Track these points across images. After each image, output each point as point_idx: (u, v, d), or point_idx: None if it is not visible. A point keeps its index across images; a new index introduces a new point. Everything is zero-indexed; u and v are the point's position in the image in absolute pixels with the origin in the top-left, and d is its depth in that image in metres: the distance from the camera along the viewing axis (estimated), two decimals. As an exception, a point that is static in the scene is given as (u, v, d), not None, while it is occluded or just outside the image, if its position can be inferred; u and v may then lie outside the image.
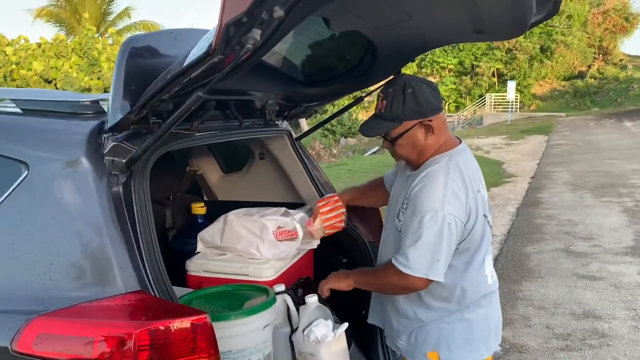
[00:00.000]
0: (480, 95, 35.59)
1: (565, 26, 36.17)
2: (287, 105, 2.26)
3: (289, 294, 1.90)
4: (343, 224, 2.12)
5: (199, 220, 2.45)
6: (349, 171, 12.31)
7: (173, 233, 2.68)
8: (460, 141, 1.82)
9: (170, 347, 1.23)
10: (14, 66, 17.11)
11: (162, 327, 1.23)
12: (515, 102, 31.34)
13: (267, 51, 1.27)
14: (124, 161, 1.44)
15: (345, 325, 1.81)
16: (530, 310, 4.22)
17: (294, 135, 2.46)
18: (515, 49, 35.09)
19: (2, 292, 1.42)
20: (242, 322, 1.61)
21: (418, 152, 1.75)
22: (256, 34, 1.09)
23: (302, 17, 1.22)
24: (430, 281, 1.65)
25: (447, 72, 37.70)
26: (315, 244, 2.15)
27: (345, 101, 15.53)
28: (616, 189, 9.13)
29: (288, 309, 1.87)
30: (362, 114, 27.88)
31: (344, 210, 2.12)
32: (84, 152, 1.45)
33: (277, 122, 2.32)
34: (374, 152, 19.14)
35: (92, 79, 16.84)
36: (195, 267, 2.05)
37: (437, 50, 32.44)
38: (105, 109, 1.53)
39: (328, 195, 2.20)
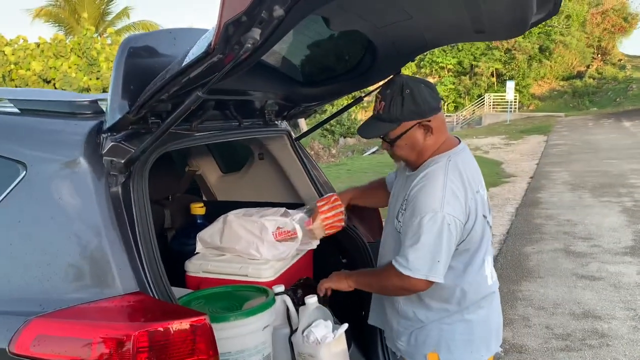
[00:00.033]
0: (479, 95, 35.60)
1: (564, 26, 36.19)
2: (287, 105, 2.26)
3: (288, 295, 1.89)
4: (342, 223, 2.12)
5: (198, 221, 2.45)
6: (348, 171, 12.31)
7: (172, 233, 2.67)
8: (460, 141, 1.81)
9: (169, 349, 1.23)
10: (12, 66, 17.11)
11: (161, 329, 1.22)
12: (514, 102, 31.37)
13: (266, 51, 1.27)
14: (122, 161, 1.44)
15: (345, 326, 1.80)
16: (529, 310, 4.22)
17: (293, 136, 2.46)
18: (514, 49, 35.12)
19: (0, 294, 1.41)
20: (241, 323, 1.60)
21: (417, 153, 1.74)
22: (256, 33, 1.08)
23: (302, 16, 1.22)
24: (431, 282, 1.64)
25: (446, 72, 37.72)
26: (314, 244, 2.15)
27: (344, 101, 15.56)
28: (615, 189, 9.14)
29: (288, 309, 1.86)
30: (361, 114, 27.88)
31: (343, 209, 2.12)
32: (82, 152, 1.45)
33: (276, 122, 2.31)
34: (373, 152, 19.15)
35: (90, 79, 16.85)
36: (194, 267, 2.05)
37: (436, 50, 32.46)
38: (104, 109, 1.52)
39: (327, 195, 2.19)
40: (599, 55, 41.04)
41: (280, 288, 1.87)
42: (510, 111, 30.11)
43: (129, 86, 1.37)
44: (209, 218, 2.24)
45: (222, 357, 1.34)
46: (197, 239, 2.12)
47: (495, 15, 1.57)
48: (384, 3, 1.50)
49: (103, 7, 26.16)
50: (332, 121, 21.79)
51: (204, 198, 2.98)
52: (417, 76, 1.88)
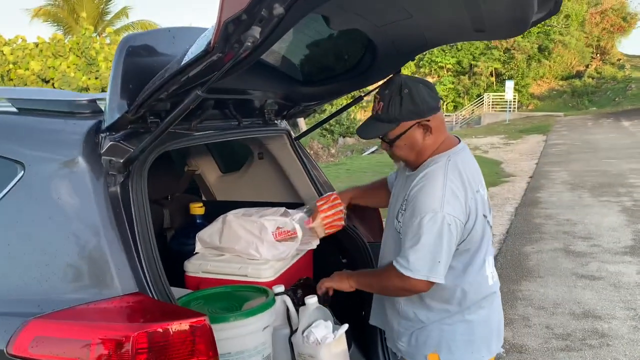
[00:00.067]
0: (479, 95, 35.61)
1: (563, 26, 36.21)
2: (286, 104, 2.25)
3: (288, 295, 1.89)
4: (342, 222, 2.11)
5: (198, 221, 2.44)
6: (348, 171, 12.31)
7: (171, 233, 2.67)
8: (460, 140, 1.80)
9: (168, 350, 1.22)
10: (11, 66, 17.11)
11: (160, 330, 1.22)
12: (514, 101, 31.38)
13: (266, 49, 1.26)
14: (121, 161, 1.43)
15: (346, 326, 1.79)
16: (529, 310, 4.22)
17: (293, 135, 2.45)
18: (514, 49, 35.13)
19: (-2, 294, 1.40)
20: (241, 323, 1.59)
21: (416, 153, 1.73)
22: (255, 31, 1.07)
23: (302, 15, 1.21)
24: (432, 283, 1.63)
25: (445, 72, 37.73)
26: (314, 244, 2.14)
27: (343, 101, 15.54)
28: (614, 189, 9.14)
29: (288, 310, 1.85)
30: (360, 114, 27.87)
31: (343, 208, 2.11)
32: (81, 151, 1.44)
33: (276, 121, 2.31)
34: (372, 152, 19.15)
35: (89, 79, 16.85)
36: (193, 267, 2.04)
37: (435, 49, 32.45)
38: (103, 108, 1.51)
39: (327, 194, 2.18)
40: (598, 55, 41.06)
41: (280, 288, 1.86)
42: (510, 111, 30.12)
43: (127, 85, 1.36)
44: (208, 218, 2.23)
45: (221, 358, 1.33)
46: (197, 239, 2.11)
47: (496, 14, 1.56)
48: (384, 2, 1.49)
49: (102, 6, 26.17)
50: (331, 121, 21.78)
51: (203, 198, 2.97)
52: (416, 76, 1.88)
